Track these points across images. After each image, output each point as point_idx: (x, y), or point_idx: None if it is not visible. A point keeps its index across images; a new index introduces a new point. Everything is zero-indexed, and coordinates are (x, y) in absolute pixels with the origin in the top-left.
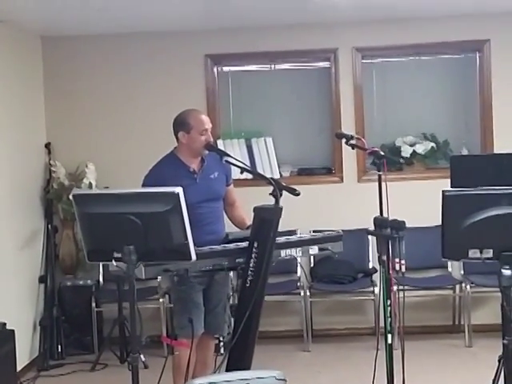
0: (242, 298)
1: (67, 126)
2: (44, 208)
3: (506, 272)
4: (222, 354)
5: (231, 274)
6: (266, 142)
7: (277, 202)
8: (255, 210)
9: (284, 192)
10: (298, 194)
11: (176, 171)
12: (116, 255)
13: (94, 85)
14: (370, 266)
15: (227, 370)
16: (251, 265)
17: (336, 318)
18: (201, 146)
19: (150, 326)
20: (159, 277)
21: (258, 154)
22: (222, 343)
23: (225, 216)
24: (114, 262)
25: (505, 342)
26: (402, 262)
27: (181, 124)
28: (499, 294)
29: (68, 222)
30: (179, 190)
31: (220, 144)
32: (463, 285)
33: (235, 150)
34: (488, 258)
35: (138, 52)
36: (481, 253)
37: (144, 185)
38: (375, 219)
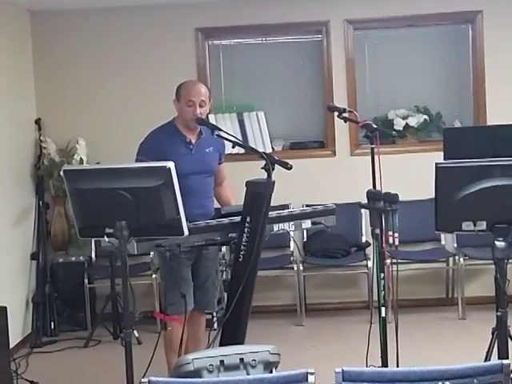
0: (234, 273)
1: (57, 102)
2: (35, 185)
3: (500, 244)
4: (214, 330)
5: (223, 248)
6: (257, 116)
7: (269, 176)
8: (248, 184)
9: (276, 166)
10: (290, 168)
11: (173, 139)
12: (108, 231)
13: (83, 59)
14: (363, 240)
15: (221, 345)
16: (244, 239)
17: (329, 292)
18: (188, 116)
19: (143, 302)
20: (152, 252)
21: (250, 128)
22: (214, 318)
23: None
24: (105, 238)
25: (498, 314)
26: (396, 235)
27: (176, 92)
28: (492, 267)
29: (59, 199)
30: (171, 164)
31: (211, 118)
32: (456, 258)
33: (227, 124)
34: (481, 230)
35: (128, 26)
36: (474, 225)
37: (139, 152)
38: (368, 192)
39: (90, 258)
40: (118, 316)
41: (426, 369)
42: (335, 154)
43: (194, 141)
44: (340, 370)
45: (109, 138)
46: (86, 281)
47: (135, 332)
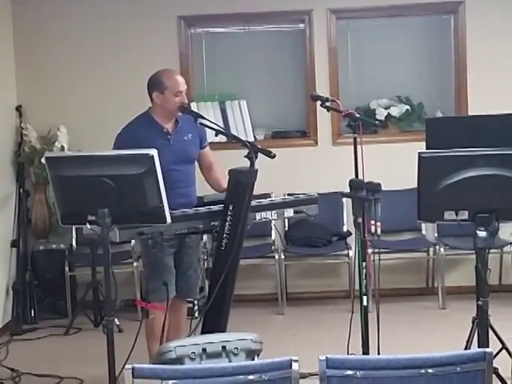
0: (216, 262)
1: (38, 89)
2: (15, 172)
3: (481, 233)
4: (196, 318)
5: (205, 237)
6: (240, 105)
7: (252, 164)
8: (230, 172)
9: (259, 155)
10: (273, 157)
11: (149, 131)
12: (90, 218)
13: (65, 46)
14: (345, 229)
15: (202, 333)
16: (226, 228)
17: (310, 281)
18: (174, 107)
19: (124, 290)
20: (133, 240)
21: (232, 117)
22: (196, 307)
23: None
24: (88, 225)
25: (479, 303)
26: (378, 224)
27: (155, 84)
28: (472, 257)
29: (40, 186)
30: (154, 152)
31: (194, 107)
32: (437, 247)
33: (209, 113)
34: (463, 220)
35: (109, 13)
36: (456, 214)
37: (116, 143)
38: (351, 181)
39: (71, 245)
40: (99, 304)
41: (410, 356)
42: (317, 144)
43: (171, 130)
44: (324, 357)
45: (90, 126)
46: (67, 268)
47: (116, 320)
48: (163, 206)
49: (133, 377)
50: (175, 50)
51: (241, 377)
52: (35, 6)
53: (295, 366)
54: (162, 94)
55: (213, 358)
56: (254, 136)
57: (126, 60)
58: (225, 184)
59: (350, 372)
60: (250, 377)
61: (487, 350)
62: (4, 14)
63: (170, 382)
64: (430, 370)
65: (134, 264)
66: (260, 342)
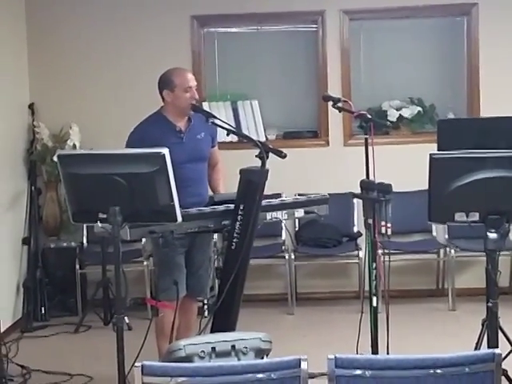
0: (227, 261)
1: (51, 87)
2: (27, 170)
3: (492, 235)
4: (206, 317)
5: (215, 236)
6: (251, 105)
7: (263, 164)
8: (241, 172)
9: (270, 155)
10: (284, 156)
11: (162, 129)
12: (101, 216)
13: (77, 45)
14: (355, 230)
15: (212, 332)
16: (237, 227)
17: (320, 282)
18: (186, 103)
19: (134, 289)
20: (144, 239)
21: (244, 117)
22: (206, 306)
23: None
24: (99, 223)
25: (489, 304)
26: (388, 225)
27: (165, 82)
28: (482, 259)
29: (52, 184)
30: (165, 151)
31: (206, 106)
32: (447, 249)
33: (221, 113)
34: (474, 222)
35: (123, 13)
36: (467, 216)
37: (129, 142)
38: (362, 182)
39: (82, 243)
40: (109, 302)
41: (419, 357)
42: (329, 144)
43: (183, 129)
44: (333, 356)
45: (102, 125)
46: (78, 266)
47: (126, 318)
48: (174, 205)
49: (142, 374)
50: (188, 50)
51: (250, 375)
52: (49, 5)
53: (304, 365)
54: (173, 92)
55: (222, 356)
56: (266, 136)
57: (139, 59)
58: (221, 189)
59: (358, 372)
60: (259, 375)
61: (496, 350)
62: (17, 13)
63: (180, 379)
64: (438, 371)
65: (145, 262)
66: (269, 342)
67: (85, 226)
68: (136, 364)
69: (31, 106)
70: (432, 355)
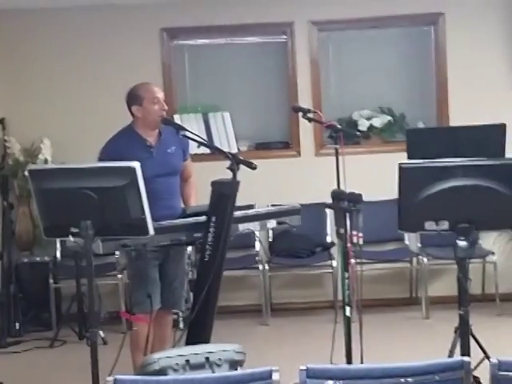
0: (200, 273)
1: (22, 102)
2: None
3: (462, 243)
4: (180, 329)
5: (189, 248)
6: (223, 117)
7: (234, 176)
8: (213, 184)
9: (242, 166)
10: (254, 168)
11: (132, 144)
12: (73, 230)
13: (48, 59)
14: (328, 240)
15: (186, 345)
16: (209, 239)
17: (294, 292)
18: (156, 116)
19: (109, 302)
20: (117, 252)
21: (216, 129)
22: (180, 318)
23: None
24: (71, 238)
25: (461, 312)
26: (360, 234)
27: (133, 98)
28: (455, 267)
29: (24, 199)
30: (136, 164)
31: (177, 119)
32: (420, 257)
33: (192, 125)
34: (444, 230)
35: (93, 25)
36: (437, 225)
37: (100, 157)
38: (333, 192)
39: (55, 257)
40: (84, 316)
41: (389, 365)
42: (300, 155)
43: (154, 143)
44: (304, 367)
45: (74, 139)
46: (51, 281)
47: (101, 332)
48: (146, 218)
49: None
50: (158, 62)
51: None
52: (18, 19)
53: (275, 376)
54: (141, 106)
55: (196, 369)
56: (238, 147)
57: (109, 72)
58: (193, 202)
59: (330, 382)
60: None
61: (465, 358)
62: None
63: None
64: (409, 379)
65: (119, 276)
66: (243, 353)
67: (58, 240)
68: (108, 378)
69: (2, 121)
70: (402, 364)
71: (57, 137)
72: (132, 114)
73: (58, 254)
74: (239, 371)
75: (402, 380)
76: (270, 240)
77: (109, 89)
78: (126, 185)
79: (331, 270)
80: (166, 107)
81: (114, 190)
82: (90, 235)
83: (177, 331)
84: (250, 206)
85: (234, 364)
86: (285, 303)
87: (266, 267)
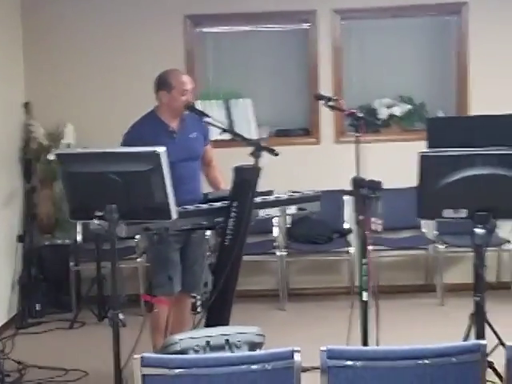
0: (220, 257)
1: (46, 86)
2: (22, 168)
3: (479, 231)
4: (198, 313)
5: (208, 233)
6: (244, 104)
7: (256, 162)
8: (235, 170)
9: (263, 153)
10: (277, 155)
11: (155, 130)
12: (98, 214)
13: (73, 45)
14: (345, 227)
15: (206, 327)
16: (230, 224)
17: (312, 278)
18: (181, 105)
19: (128, 286)
20: (137, 236)
21: (237, 115)
22: (199, 302)
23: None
24: (95, 221)
25: (476, 298)
26: (379, 221)
27: (162, 83)
28: (471, 254)
29: (46, 182)
30: (161, 149)
31: (199, 105)
32: (436, 245)
33: (214, 111)
34: (462, 218)
35: (116, 12)
36: (455, 212)
37: (123, 142)
38: (353, 179)
39: (76, 241)
40: (103, 299)
41: (406, 348)
42: (320, 142)
43: (176, 129)
44: (325, 348)
45: (97, 124)
46: (72, 263)
47: (120, 315)
48: (169, 203)
49: (141, 366)
50: (181, 49)
51: (244, 366)
52: (44, 4)
53: (297, 356)
54: (169, 94)
55: (216, 350)
56: (259, 134)
57: (133, 58)
58: (222, 184)
59: (349, 362)
60: (254, 366)
61: (481, 341)
62: (13, 12)
63: (177, 370)
64: (426, 361)
65: (138, 260)
66: (262, 335)
67: (79, 223)
68: (135, 356)
69: (26, 105)
70: (419, 346)
71: (80, 122)
72: (158, 98)
73: (79, 238)
74: (261, 351)
75: (420, 362)
76: (288, 226)
77: (132, 75)
78: (150, 169)
79: (348, 257)
80: (192, 99)
81: (138, 174)
82: (114, 219)
83: (196, 314)
84: (270, 192)
85: (254, 346)
86: (302, 288)
87: (284, 253)
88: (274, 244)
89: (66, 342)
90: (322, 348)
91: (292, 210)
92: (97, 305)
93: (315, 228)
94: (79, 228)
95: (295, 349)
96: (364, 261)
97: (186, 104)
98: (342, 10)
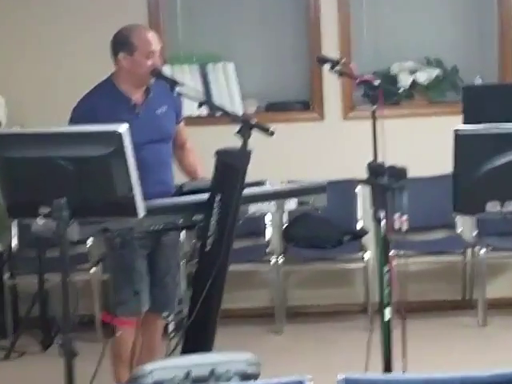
0: (200, 266)
1: None
2: None
3: None
4: (173, 338)
5: (184, 235)
6: (225, 69)
7: (245, 144)
8: (218, 154)
9: (253, 132)
10: (272, 134)
11: (113, 103)
12: (43, 210)
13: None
14: (359, 227)
15: (183, 354)
16: (212, 223)
17: (316, 292)
18: (146, 71)
19: (79, 304)
20: (90, 240)
21: (216, 84)
22: (172, 323)
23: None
24: (39, 220)
25: None
26: (404, 218)
27: (122, 43)
28: None
29: None
30: (123, 128)
31: (167, 70)
32: (476, 249)
33: (186, 79)
34: (511, 213)
35: None
36: (501, 206)
37: (72, 119)
38: (370, 165)
39: (11, 247)
40: (47, 321)
41: (444, 376)
42: (323, 118)
43: (139, 102)
44: (342, 377)
45: (36, 97)
46: (6, 276)
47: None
48: (134, 196)
49: None
50: (143, 1)
51: None
52: None
53: None
54: (131, 56)
55: (199, 383)
56: (243, 108)
57: (81, 11)
58: (201, 172)
59: None
60: None
61: None
62: None
63: None
64: None
65: (92, 270)
66: (257, 364)
67: (14, 225)
68: None
69: None
70: (460, 374)
71: (13, 94)
72: (116, 62)
73: (15, 243)
74: (262, 381)
75: None
76: (285, 226)
77: (81, 34)
78: (109, 154)
79: (363, 265)
80: (160, 63)
81: (94, 160)
82: (64, 216)
83: (170, 339)
84: (260, 183)
85: (247, 378)
86: (303, 306)
87: (280, 260)
88: (268, 249)
89: (1, 375)
90: (339, 376)
91: (292, 204)
92: (40, 329)
93: (320, 228)
94: (15, 230)
95: (307, 377)
96: (385, 269)
97: (153, 69)
98: None
